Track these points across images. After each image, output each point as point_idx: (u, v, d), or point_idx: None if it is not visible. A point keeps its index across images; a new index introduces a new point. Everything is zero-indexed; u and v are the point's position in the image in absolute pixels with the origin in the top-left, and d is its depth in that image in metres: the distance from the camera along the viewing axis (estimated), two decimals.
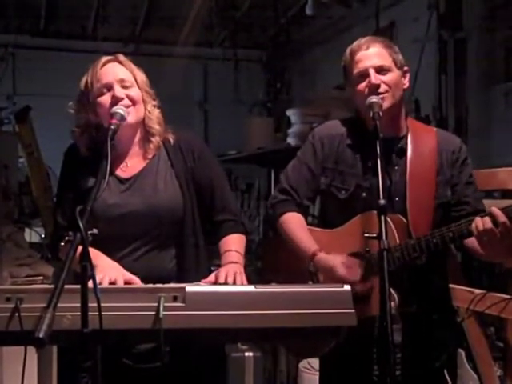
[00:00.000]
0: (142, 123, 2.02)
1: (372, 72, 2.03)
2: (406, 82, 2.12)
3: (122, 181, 2.00)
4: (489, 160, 4.02)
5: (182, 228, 1.98)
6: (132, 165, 2.02)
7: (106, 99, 1.94)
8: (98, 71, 1.97)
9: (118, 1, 6.32)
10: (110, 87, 1.94)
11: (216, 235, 2.03)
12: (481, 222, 1.85)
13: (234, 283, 1.79)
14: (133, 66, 2.01)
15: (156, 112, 2.03)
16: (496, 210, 1.84)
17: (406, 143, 2.11)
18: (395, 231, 1.97)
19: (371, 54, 2.05)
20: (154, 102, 2.03)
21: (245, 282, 1.82)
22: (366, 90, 2.04)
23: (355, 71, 2.06)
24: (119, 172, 2.01)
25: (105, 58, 2.00)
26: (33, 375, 2.54)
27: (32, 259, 3.87)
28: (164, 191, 1.98)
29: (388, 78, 2.04)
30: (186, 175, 2.01)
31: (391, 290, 1.89)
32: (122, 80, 1.96)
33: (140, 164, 2.02)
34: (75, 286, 1.45)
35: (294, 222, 2.15)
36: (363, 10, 5.42)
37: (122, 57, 2.02)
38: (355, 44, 2.10)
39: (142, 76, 2.02)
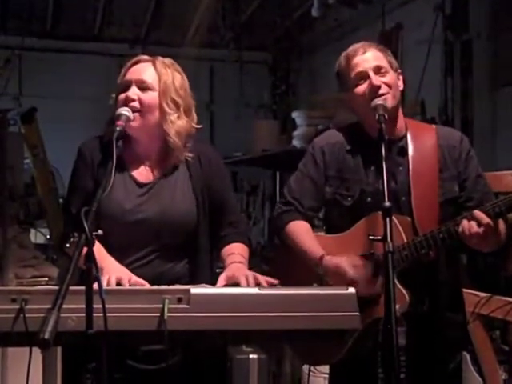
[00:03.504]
0: (163, 130, 1.97)
1: (372, 74, 2.05)
2: (401, 84, 2.14)
3: (139, 184, 1.98)
4: (494, 162, 4.01)
5: (194, 238, 1.98)
6: (151, 170, 2.00)
7: (122, 97, 1.94)
8: (127, 67, 1.97)
9: (124, 2, 6.34)
10: (128, 86, 1.93)
11: (220, 244, 2.03)
12: (467, 226, 1.91)
13: (258, 285, 1.76)
14: (164, 71, 1.95)
15: (179, 123, 1.96)
16: (478, 213, 1.90)
17: (407, 142, 2.12)
18: (402, 231, 1.98)
19: (369, 57, 2.08)
20: (179, 114, 1.96)
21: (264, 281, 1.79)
22: (367, 92, 2.05)
23: (353, 74, 2.08)
24: (137, 175, 1.99)
25: (141, 57, 1.99)
26: (37, 376, 2.54)
27: (37, 260, 3.88)
28: (181, 202, 1.97)
29: (387, 78, 2.07)
30: (202, 187, 2.01)
31: (402, 289, 1.90)
32: (141, 81, 1.93)
33: (159, 170, 2.00)
34: (80, 287, 1.46)
35: (299, 230, 2.16)
36: (369, 11, 5.42)
37: (160, 59, 1.98)
38: (350, 49, 2.12)
39: (173, 83, 1.95)
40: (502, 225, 1.97)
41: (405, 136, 2.13)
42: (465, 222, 1.92)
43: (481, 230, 1.89)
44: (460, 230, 1.93)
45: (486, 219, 1.89)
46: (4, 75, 5.66)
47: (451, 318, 2.13)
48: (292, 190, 2.21)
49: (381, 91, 2.04)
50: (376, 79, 2.05)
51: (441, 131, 2.17)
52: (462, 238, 1.94)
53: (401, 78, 2.15)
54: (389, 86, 2.06)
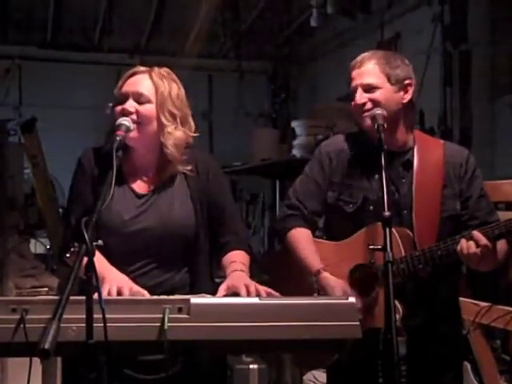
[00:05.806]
0: (160, 142, 1.97)
1: (359, 91, 2.06)
2: (405, 96, 2.09)
3: (138, 195, 1.99)
4: (493, 171, 4.02)
5: (193, 246, 1.98)
6: (149, 180, 2.01)
7: (119, 109, 1.94)
8: (124, 79, 1.97)
9: (123, 12, 6.37)
10: (125, 98, 1.94)
11: (221, 252, 2.03)
12: (465, 246, 1.92)
13: (258, 295, 1.76)
14: (161, 83, 1.96)
15: (176, 134, 1.96)
16: (477, 234, 1.92)
17: (413, 156, 2.11)
18: (401, 243, 1.98)
19: (362, 72, 2.08)
20: (176, 125, 1.96)
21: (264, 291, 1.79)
22: (353, 108, 2.08)
23: (350, 87, 2.11)
24: (136, 186, 1.99)
25: (138, 68, 1.99)
26: None
27: (37, 270, 3.89)
28: (179, 210, 1.97)
29: (376, 95, 2.05)
30: (201, 196, 2.01)
31: (396, 301, 1.90)
32: (138, 94, 1.94)
33: (157, 181, 2.01)
34: (80, 297, 1.46)
35: (300, 238, 2.16)
36: (368, 21, 5.44)
37: (156, 70, 1.99)
38: (354, 60, 2.12)
39: (169, 94, 1.96)
40: (501, 245, 1.97)
41: (412, 149, 2.12)
42: (463, 242, 1.93)
43: (478, 250, 1.90)
44: (458, 248, 1.94)
45: (484, 240, 1.90)
46: (4, 85, 5.68)
47: (446, 331, 2.12)
48: (297, 192, 2.21)
49: (365, 108, 2.05)
50: (360, 97, 2.05)
51: (448, 148, 2.17)
52: (460, 257, 1.95)
53: (409, 89, 2.09)
54: (376, 102, 2.04)
